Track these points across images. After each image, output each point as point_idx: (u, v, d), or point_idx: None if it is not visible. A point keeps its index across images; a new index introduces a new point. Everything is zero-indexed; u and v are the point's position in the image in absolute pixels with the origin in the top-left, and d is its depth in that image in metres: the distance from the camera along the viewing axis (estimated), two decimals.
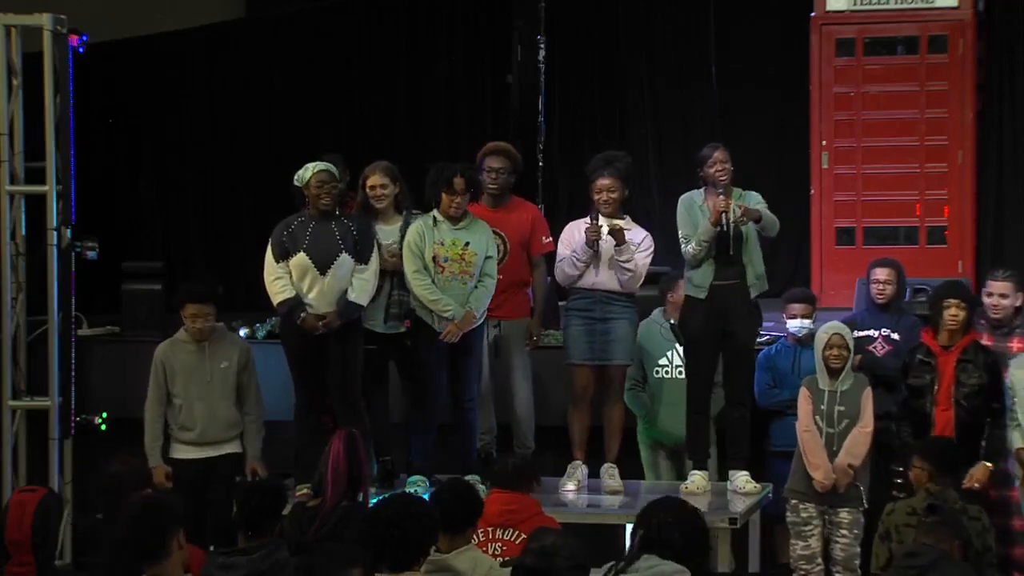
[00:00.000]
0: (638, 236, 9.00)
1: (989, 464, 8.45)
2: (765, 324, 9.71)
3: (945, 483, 7.66)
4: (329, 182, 8.76)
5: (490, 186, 9.25)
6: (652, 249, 9.04)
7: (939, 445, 8.08)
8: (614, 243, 8.81)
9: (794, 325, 9.41)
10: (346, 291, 8.74)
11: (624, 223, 8.95)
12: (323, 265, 8.73)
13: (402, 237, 8.92)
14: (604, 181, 8.92)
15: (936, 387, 8.57)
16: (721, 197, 8.74)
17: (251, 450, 8.81)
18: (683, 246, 8.85)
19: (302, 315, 8.72)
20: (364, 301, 8.80)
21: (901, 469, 8.51)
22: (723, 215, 8.72)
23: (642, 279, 9.03)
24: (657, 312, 9.47)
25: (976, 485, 8.36)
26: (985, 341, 8.82)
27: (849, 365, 8.65)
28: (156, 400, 8.76)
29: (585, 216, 9.04)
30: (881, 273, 9.43)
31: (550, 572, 5.28)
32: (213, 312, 8.84)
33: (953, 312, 8.61)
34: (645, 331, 9.37)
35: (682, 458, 9.28)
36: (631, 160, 9.19)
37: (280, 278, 8.79)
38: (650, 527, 5.52)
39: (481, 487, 7.86)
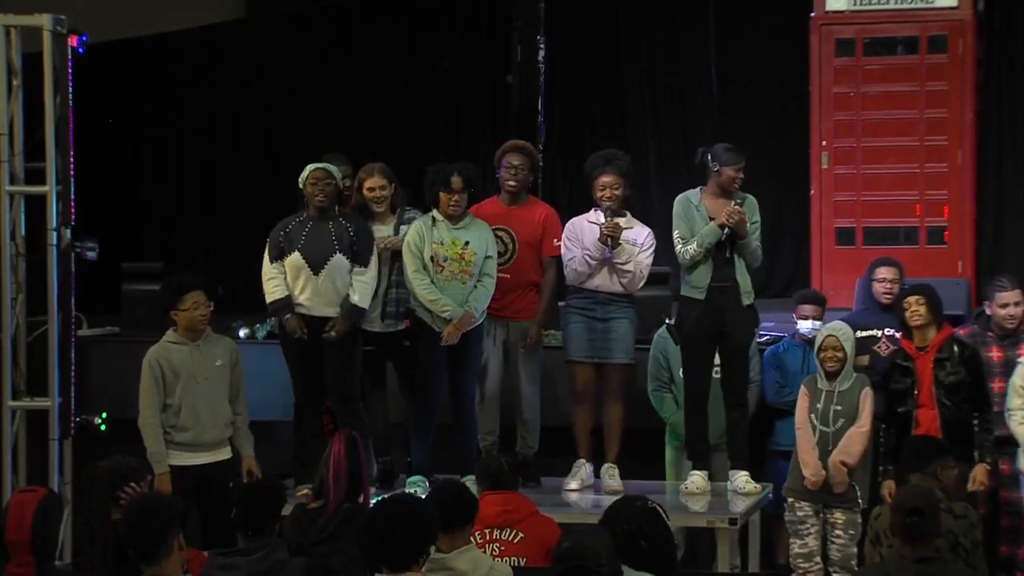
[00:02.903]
0: (641, 235, 8.99)
1: (987, 466, 8.46)
2: (766, 324, 9.76)
3: (928, 481, 7.59)
4: (324, 179, 8.77)
5: (509, 183, 9.24)
6: (654, 247, 9.03)
7: (911, 448, 8.00)
8: (612, 247, 8.83)
9: (804, 326, 9.43)
10: (342, 293, 8.74)
11: (625, 221, 8.95)
12: (317, 265, 8.73)
13: (396, 234, 8.96)
14: (606, 178, 8.91)
15: (917, 390, 8.57)
16: (736, 207, 8.74)
17: (247, 450, 8.64)
18: (679, 246, 8.81)
19: (286, 316, 8.72)
20: (366, 304, 8.80)
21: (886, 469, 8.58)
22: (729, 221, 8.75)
23: (644, 279, 9.01)
24: None
25: (981, 488, 8.39)
26: (995, 354, 8.82)
27: (848, 366, 8.63)
28: (155, 405, 8.44)
29: (584, 213, 9.05)
30: (887, 272, 9.43)
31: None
32: (208, 299, 8.59)
33: (913, 309, 8.62)
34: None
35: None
36: (630, 159, 9.19)
37: (273, 278, 8.80)
38: (616, 536, 5.52)
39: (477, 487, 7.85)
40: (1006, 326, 8.88)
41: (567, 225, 9.10)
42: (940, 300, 8.76)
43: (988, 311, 8.99)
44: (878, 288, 9.45)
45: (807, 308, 9.47)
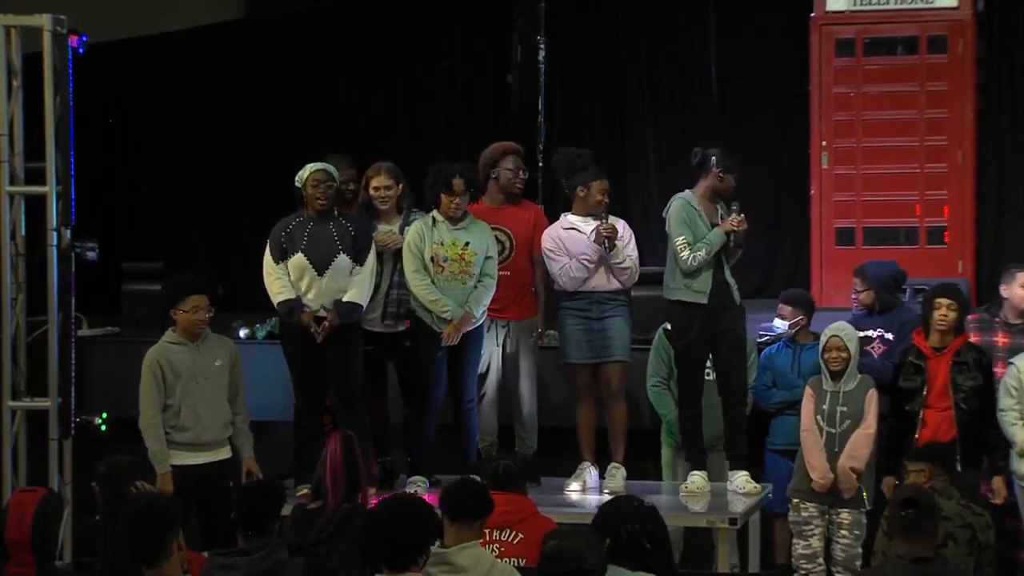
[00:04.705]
0: (618, 228, 8.98)
1: (1003, 476, 8.49)
2: (766, 323, 9.74)
3: (946, 481, 7.66)
4: (325, 181, 8.76)
5: (517, 185, 9.32)
6: (633, 235, 9.04)
7: (934, 447, 8.10)
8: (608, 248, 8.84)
9: (777, 323, 9.45)
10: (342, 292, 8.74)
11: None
12: (321, 266, 8.72)
13: (401, 235, 8.95)
14: (602, 184, 8.94)
15: (926, 390, 8.57)
16: (738, 215, 8.77)
17: (246, 450, 8.65)
18: (685, 252, 8.70)
19: (300, 313, 8.71)
20: (363, 300, 8.78)
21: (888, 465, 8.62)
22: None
23: (639, 269, 9.01)
24: None
25: (1000, 501, 8.44)
26: (1000, 339, 8.82)
27: (852, 366, 8.63)
28: (157, 405, 8.44)
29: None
30: (855, 283, 9.46)
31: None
32: (211, 304, 8.60)
33: (943, 312, 8.61)
34: None
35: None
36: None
37: (280, 278, 8.78)
38: (618, 537, 5.50)
39: None
40: (1022, 307, 8.85)
41: (545, 237, 9.06)
42: (969, 306, 8.76)
43: (1004, 293, 8.96)
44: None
45: (784, 308, 9.48)
